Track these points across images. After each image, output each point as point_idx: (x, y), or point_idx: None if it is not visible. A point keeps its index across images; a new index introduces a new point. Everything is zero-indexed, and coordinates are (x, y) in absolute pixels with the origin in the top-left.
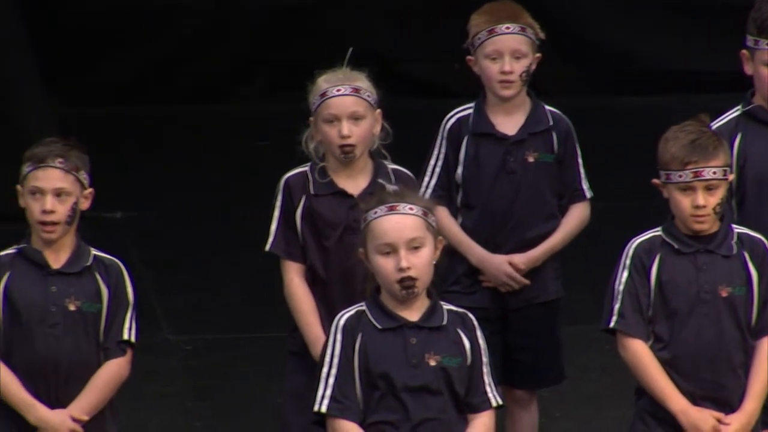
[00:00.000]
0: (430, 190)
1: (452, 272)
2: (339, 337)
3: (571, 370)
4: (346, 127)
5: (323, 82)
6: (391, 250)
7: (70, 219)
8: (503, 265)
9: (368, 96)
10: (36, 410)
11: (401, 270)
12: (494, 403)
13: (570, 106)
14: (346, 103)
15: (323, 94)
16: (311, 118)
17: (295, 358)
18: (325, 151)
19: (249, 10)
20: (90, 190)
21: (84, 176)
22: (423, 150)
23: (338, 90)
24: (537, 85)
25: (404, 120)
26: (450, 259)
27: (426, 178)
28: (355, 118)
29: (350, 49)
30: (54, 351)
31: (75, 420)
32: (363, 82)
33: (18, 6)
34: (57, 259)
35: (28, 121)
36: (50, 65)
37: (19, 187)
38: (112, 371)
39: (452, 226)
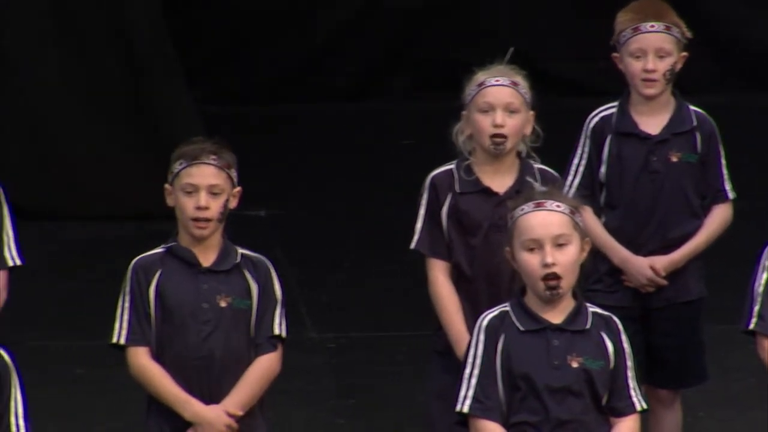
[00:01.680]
0: (573, 189)
1: (595, 271)
2: (482, 337)
3: (715, 369)
4: (500, 117)
5: (482, 74)
6: (536, 246)
7: (222, 216)
8: (644, 269)
9: (525, 93)
10: (191, 406)
11: (546, 266)
12: (639, 407)
13: (717, 104)
14: (503, 94)
15: (481, 84)
16: (464, 112)
17: (439, 357)
18: (473, 148)
19: (395, 7)
20: (238, 188)
21: (234, 174)
22: (567, 149)
23: (497, 80)
24: (683, 83)
25: (548, 119)
26: (593, 257)
27: (570, 177)
28: (510, 110)
29: (511, 49)
30: (207, 348)
31: (230, 415)
32: (521, 79)
33: (161, 5)
34: (206, 258)
35: (173, 120)
36: (194, 64)
37: (168, 186)
38: (264, 366)
39: (596, 225)
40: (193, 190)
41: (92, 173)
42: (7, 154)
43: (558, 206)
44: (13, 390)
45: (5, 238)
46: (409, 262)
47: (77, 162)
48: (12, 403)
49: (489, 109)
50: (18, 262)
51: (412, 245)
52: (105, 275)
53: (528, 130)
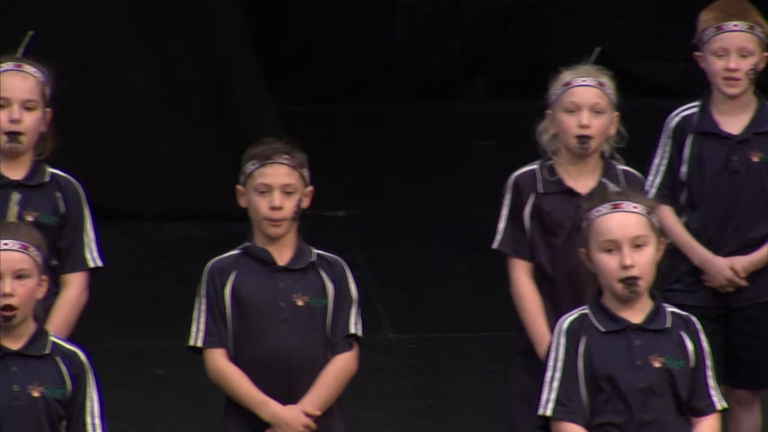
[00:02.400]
0: (655, 189)
1: (674, 270)
2: (562, 340)
3: None
4: (586, 117)
5: (568, 74)
6: (614, 247)
7: (295, 215)
8: (724, 269)
9: (610, 93)
10: (269, 407)
11: (625, 268)
12: (719, 407)
13: None
14: (589, 94)
15: (567, 84)
16: (548, 111)
17: (522, 358)
18: (557, 147)
19: (474, 7)
20: (311, 188)
21: (306, 173)
22: (648, 149)
23: (583, 81)
24: (766, 83)
25: (629, 119)
26: (673, 257)
27: (651, 177)
28: (596, 111)
29: (597, 49)
30: (285, 347)
31: (307, 415)
32: (607, 80)
33: (240, 5)
34: (282, 257)
35: (253, 121)
36: (274, 64)
37: (240, 187)
38: (341, 366)
39: (676, 225)
40: (266, 190)
41: (172, 174)
42: (89, 155)
43: (635, 207)
44: (89, 389)
45: (86, 240)
46: (487, 262)
47: (157, 162)
48: (88, 403)
49: (575, 109)
50: (99, 264)
51: (495, 245)
52: (185, 275)
53: (612, 131)
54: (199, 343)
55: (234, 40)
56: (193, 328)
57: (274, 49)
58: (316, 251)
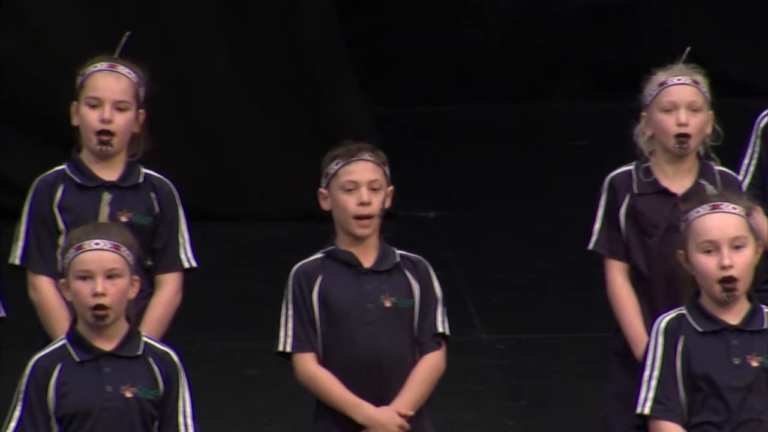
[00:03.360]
0: (744, 189)
1: (765, 271)
2: (660, 340)
3: None
4: (684, 115)
5: (663, 74)
6: (713, 248)
7: (381, 213)
8: None
9: (705, 92)
10: (363, 409)
11: (723, 268)
12: None
13: None
14: (686, 92)
15: (662, 83)
16: (643, 113)
17: (618, 359)
18: (654, 149)
19: (563, 8)
20: (391, 188)
21: (388, 172)
22: (737, 149)
23: (678, 80)
24: None
25: (719, 119)
26: (764, 257)
27: (740, 177)
28: (693, 109)
29: (687, 48)
30: (374, 348)
31: (401, 415)
32: (702, 78)
33: (333, 7)
34: (367, 259)
35: (344, 122)
36: (365, 65)
37: (323, 190)
38: (431, 365)
39: (766, 225)
40: (353, 187)
41: (264, 174)
42: (182, 157)
43: (734, 208)
44: (181, 390)
45: (181, 240)
46: (579, 262)
47: (249, 163)
48: (180, 403)
49: (672, 108)
50: (193, 264)
51: (590, 246)
52: (275, 276)
53: (708, 130)
54: (288, 348)
55: (326, 41)
56: (281, 334)
57: (366, 50)
58: (399, 252)
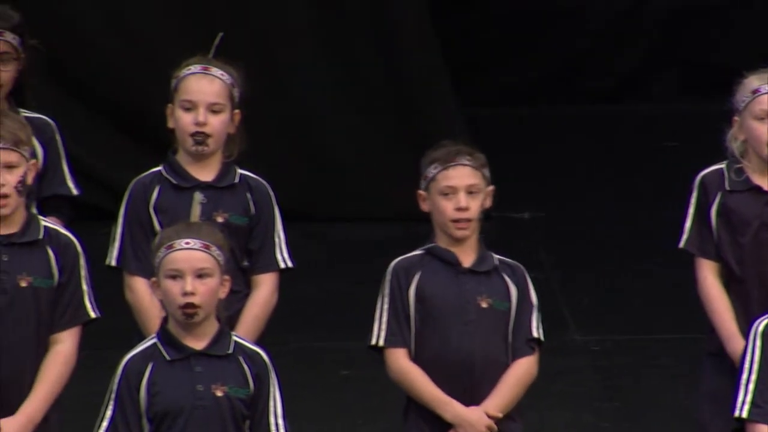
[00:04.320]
0: None
1: None
2: (758, 342)
3: None
4: None
5: (755, 79)
6: None
7: (481, 215)
8: None
9: None
10: (453, 407)
11: None
12: None
13: None
14: None
15: (755, 91)
16: (736, 117)
17: (712, 360)
18: (746, 151)
19: (657, 9)
20: (491, 188)
21: (487, 173)
22: None
23: None
24: None
25: None
26: None
27: None
28: None
29: None
30: (468, 348)
31: (489, 417)
32: None
33: (427, 7)
34: (466, 259)
35: (438, 123)
36: (459, 66)
37: (422, 192)
38: (524, 369)
39: None
40: (451, 192)
41: (358, 175)
42: (277, 158)
43: None
44: (272, 389)
45: (277, 241)
46: (674, 262)
47: (343, 164)
48: (271, 403)
49: (766, 116)
50: (289, 264)
51: (681, 244)
52: (371, 276)
53: None
54: (381, 343)
55: (420, 41)
56: (375, 327)
57: (461, 51)
58: (497, 256)
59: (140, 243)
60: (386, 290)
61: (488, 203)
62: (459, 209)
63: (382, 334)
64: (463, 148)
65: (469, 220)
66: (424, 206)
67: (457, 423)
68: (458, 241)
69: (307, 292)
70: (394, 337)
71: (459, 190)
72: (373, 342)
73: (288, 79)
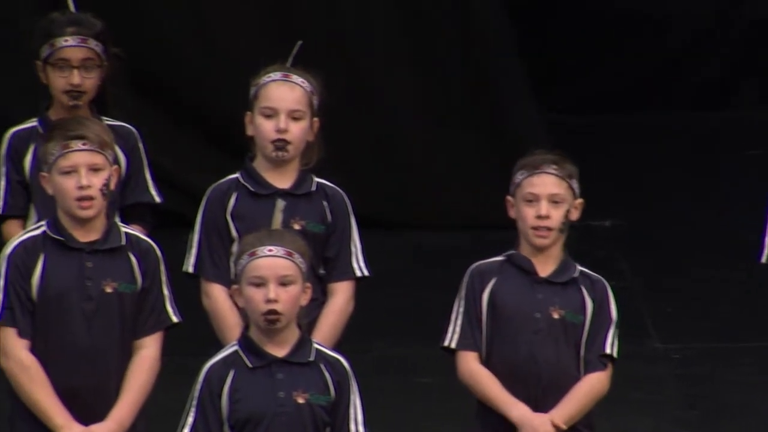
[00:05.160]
0: None
1: None
2: None
3: None
4: None
5: None
6: None
7: (563, 227)
8: None
9: None
10: (519, 408)
11: None
12: None
13: None
14: None
15: None
16: None
17: None
18: None
19: (743, 17)
20: (580, 200)
21: (575, 185)
22: None
23: None
24: None
25: None
26: None
27: None
28: None
29: None
30: (536, 357)
31: (555, 426)
32: None
33: (508, 14)
34: (545, 268)
35: (521, 130)
36: (543, 73)
37: (509, 198)
38: (593, 384)
39: None
40: (533, 199)
41: (438, 183)
42: (359, 166)
43: None
44: (352, 396)
45: (353, 249)
46: (755, 270)
47: (425, 172)
48: (351, 410)
49: None
50: (365, 273)
51: (763, 259)
52: (450, 284)
53: None
54: (453, 345)
55: (502, 48)
56: (449, 329)
57: (542, 58)
58: (580, 268)
59: (217, 250)
60: (462, 293)
61: (575, 216)
62: (539, 217)
63: (455, 336)
64: (551, 157)
65: (549, 229)
66: (511, 212)
67: (522, 423)
68: (539, 249)
69: (387, 300)
70: (466, 340)
71: (541, 197)
72: (446, 343)
73: (371, 87)
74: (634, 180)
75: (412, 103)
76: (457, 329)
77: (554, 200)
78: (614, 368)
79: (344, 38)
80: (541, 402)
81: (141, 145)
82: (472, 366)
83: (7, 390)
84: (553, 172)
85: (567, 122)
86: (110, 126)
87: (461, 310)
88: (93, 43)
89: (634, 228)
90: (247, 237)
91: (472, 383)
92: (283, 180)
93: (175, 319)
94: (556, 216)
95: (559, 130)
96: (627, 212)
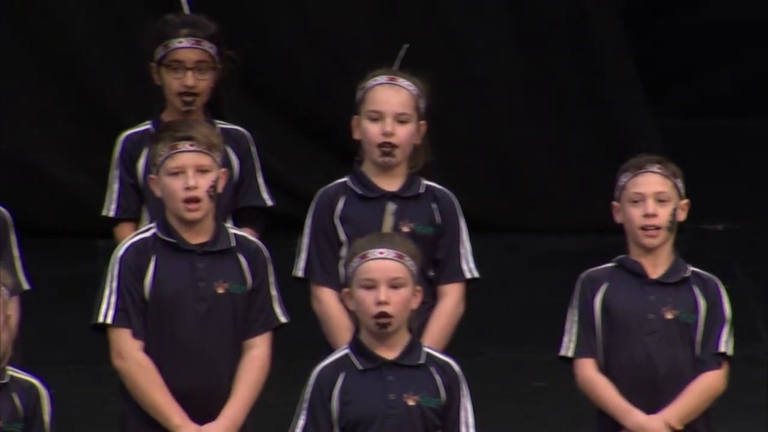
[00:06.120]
0: None
1: None
2: None
3: None
4: None
5: None
6: None
7: (671, 226)
8: None
9: None
10: (632, 415)
11: None
12: None
13: None
14: None
15: None
16: None
17: None
18: None
19: None
20: (686, 200)
21: (680, 184)
22: None
23: None
24: None
25: None
26: None
27: None
28: None
29: None
30: (652, 359)
31: (670, 427)
32: None
33: (623, 18)
34: (655, 270)
35: (632, 133)
36: (656, 77)
37: (615, 203)
38: (708, 383)
39: None
40: (639, 199)
41: (550, 185)
42: (470, 168)
43: None
44: (463, 400)
45: (462, 251)
46: None
47: (535, 174)
48: (462, 413)
49: None
50: (475, 275)
51: None
52: (563, 287)
53: None
54: (569, 353)
55: (614, 51)
56: (565, 338)
57: (654, 61)
58: (692, 268)
59: (326, 253)
60: (575, 302)
61: (682, 216)
62: (647, 215)
63: (571, 345)
64: (654, 157)
65: (657, 228)
66: (617, 217)
67: (637, 431)
68: (648, 250)
69: (499, 303)
70: (583, 348)
71: (647, 196)
72: (563, 353)
73: (481, 90)
74: (748, 184)
75: (522, 107)
76: (573, 338)
77: (660, 198)
78: (730, 367)
79: (453, 41)
80: (657, 403)
81: (254, 149)
82: (589, 374)
83: (119, 391)
84: (658, 170)
85: (679, 126)
86: (223, 129)
87: (575, 318)
88: (207, 45)
89: (747, 232)
90: (358, 240)
91: (589, 391)
92: (391, 183)
93: (283, 319)
94: (663, 214)
95: (672, 135)
96: (740, 216)
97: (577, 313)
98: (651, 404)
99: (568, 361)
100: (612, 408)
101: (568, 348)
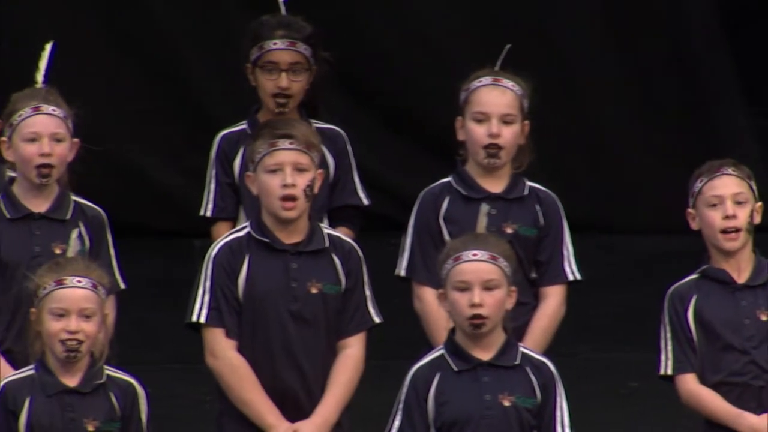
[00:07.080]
0: None
1: None
2: None
3: None
4: None
5: None
6: None
7: (750, 228)
8: None
9: None
10: (745, 419)
11: None
12: None
13: None
14: None
15: None
16: None
17: None
18: None
19: None
20: (760, 203)
21: (754, 187)
22: None
23: None
24: None
25: None
26: None
27: None
28: None
29: None
30: (756, 361)
31: None
32: None
33: (719, 18)
34: (740, 275)
35: (727, 134)
36: (750, 75)
37: (690, 210)
38: None
39: None
40: (718, 202)
41: (648, 185)
42: (570, 170)
43: None
44: (558, 399)
45: (565, 253)
46: None
47: (633, 174)
48: (558, 413)
49: None
50: (578, 276)
51: None
52: (660, 289)
53: None
54: (669, 371)
55: (711, 52)
56: (662, 357)
57: (753, 60)
58: None
59: (429, 253)
60: (666, 318)
61: (757, 219)
62: (727, 217)
63: (669, 363)
64: (728, 161)
65: (737, 230)
66: (693, 225)
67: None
68: (729, 254)
69: (597, 304)
70: (681, 364)
71: (726, 199)
72: (662, 371)
73: (582, 91)
74: None
75: (620, 107)
76: (670, 355)
77: (738, 200)
78: None
79: (554, 41)
80: (765, 404)
81: (349, 148)
82: (691, 387)
83: (216, 390)
84: (733, 173)
85: None
86: (319, 129)
87: (668, 335)
88: (302, 47)
89: None
90: (452, 242)
91: (695, 404)
92: (495, 184)
93: (377, 319)
94: (742, 215)
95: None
96: None
97: (670, 329)
98: (760, 407)
99: (669, 379)
100: (722, 416)
101: (666, 366)
